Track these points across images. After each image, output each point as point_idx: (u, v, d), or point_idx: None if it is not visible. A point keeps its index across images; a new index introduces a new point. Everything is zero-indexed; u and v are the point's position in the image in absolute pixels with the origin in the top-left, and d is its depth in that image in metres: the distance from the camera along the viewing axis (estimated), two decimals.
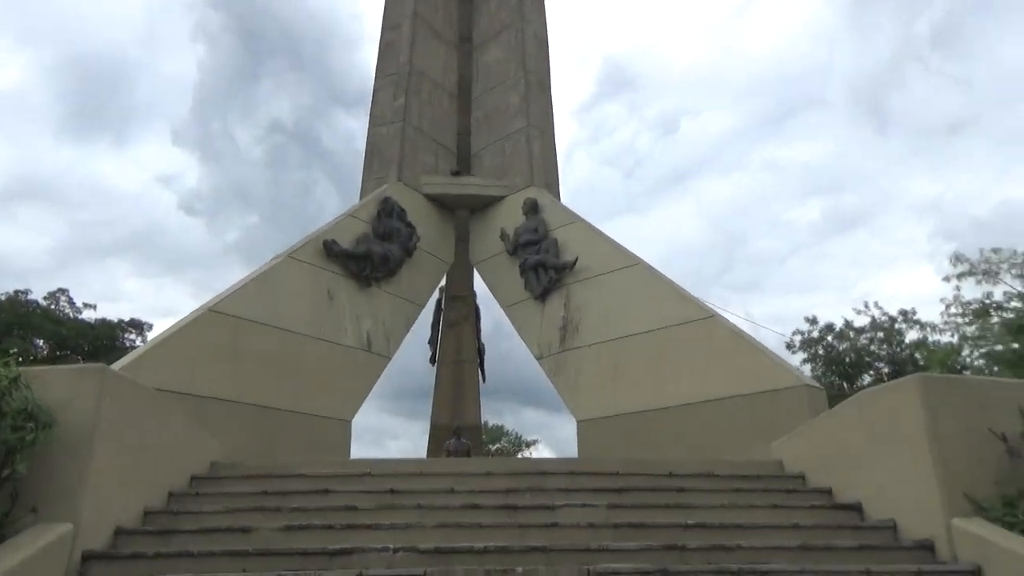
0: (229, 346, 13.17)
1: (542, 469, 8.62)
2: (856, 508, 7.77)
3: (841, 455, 8.26)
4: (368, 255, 16.60)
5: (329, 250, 15.87)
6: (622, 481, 8.22)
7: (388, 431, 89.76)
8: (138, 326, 34.29)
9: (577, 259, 16.62)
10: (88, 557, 5.96)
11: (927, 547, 6.79)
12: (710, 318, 14.39)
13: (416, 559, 6.12)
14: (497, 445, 52.61)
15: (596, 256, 16.56)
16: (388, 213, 17.46)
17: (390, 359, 17.02)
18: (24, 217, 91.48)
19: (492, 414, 65.62)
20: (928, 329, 30.24)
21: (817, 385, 13.20)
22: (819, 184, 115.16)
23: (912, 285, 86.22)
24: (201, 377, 12.44)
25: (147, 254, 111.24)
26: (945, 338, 28.31)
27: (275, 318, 14.24)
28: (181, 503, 7.37)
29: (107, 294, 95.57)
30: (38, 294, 32.50)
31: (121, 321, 34.08)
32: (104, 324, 33.23)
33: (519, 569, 5.87)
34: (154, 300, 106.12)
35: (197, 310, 13.34)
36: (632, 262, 16.04)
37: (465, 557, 6.20)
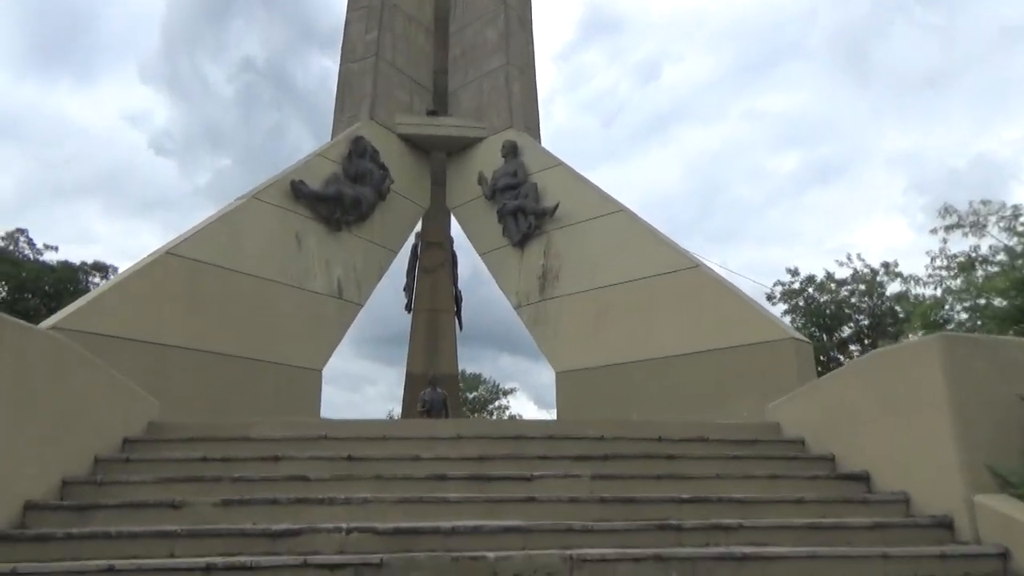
0: (189, 291, 12.41)
1: (518, 433, 7.81)
2: (863, 478, 7.07)
3: (847, 419, 7.54)
4: (339, 197, 15.62)
5: (297, 191, 14.90)
6: (607, 447, 7.45)
7: (367, 377, 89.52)
8: (102, 268, 32.83)
9: (558, 205, 15.73)
10: None
11: (945, 525, 6.10)
12: (695, 267, 13.72)
13: (373, 542, 5.30)
14: (474, 393, 52.21)
15: (578, 202, 15.67)
16: (360, 153, 16.41)
17: (362, 306, 16.24)
18: None
19: (469, 362, 65.35)
20: (911, 282, 29.57)
21: (804, 338, 12.65)
22: (798, 134, 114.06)
23: (885, 237, 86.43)
24: (159, 324, 11.70)
25: (117, 194, 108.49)
26: (928, 291, 27.68)
27: (238, 262, 13.40)
28: (107, 471, 6.46)
29: (76, 235, 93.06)
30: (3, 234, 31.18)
31: (84, 263, 32.68)
32: (66, 267, 31.82)
33: (491, 556, 5.07)
34: (124, 242, 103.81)
35: (154, 253, 12.55)
36: (615, 208, 15.20)
37: (430, 539, 5.39)
